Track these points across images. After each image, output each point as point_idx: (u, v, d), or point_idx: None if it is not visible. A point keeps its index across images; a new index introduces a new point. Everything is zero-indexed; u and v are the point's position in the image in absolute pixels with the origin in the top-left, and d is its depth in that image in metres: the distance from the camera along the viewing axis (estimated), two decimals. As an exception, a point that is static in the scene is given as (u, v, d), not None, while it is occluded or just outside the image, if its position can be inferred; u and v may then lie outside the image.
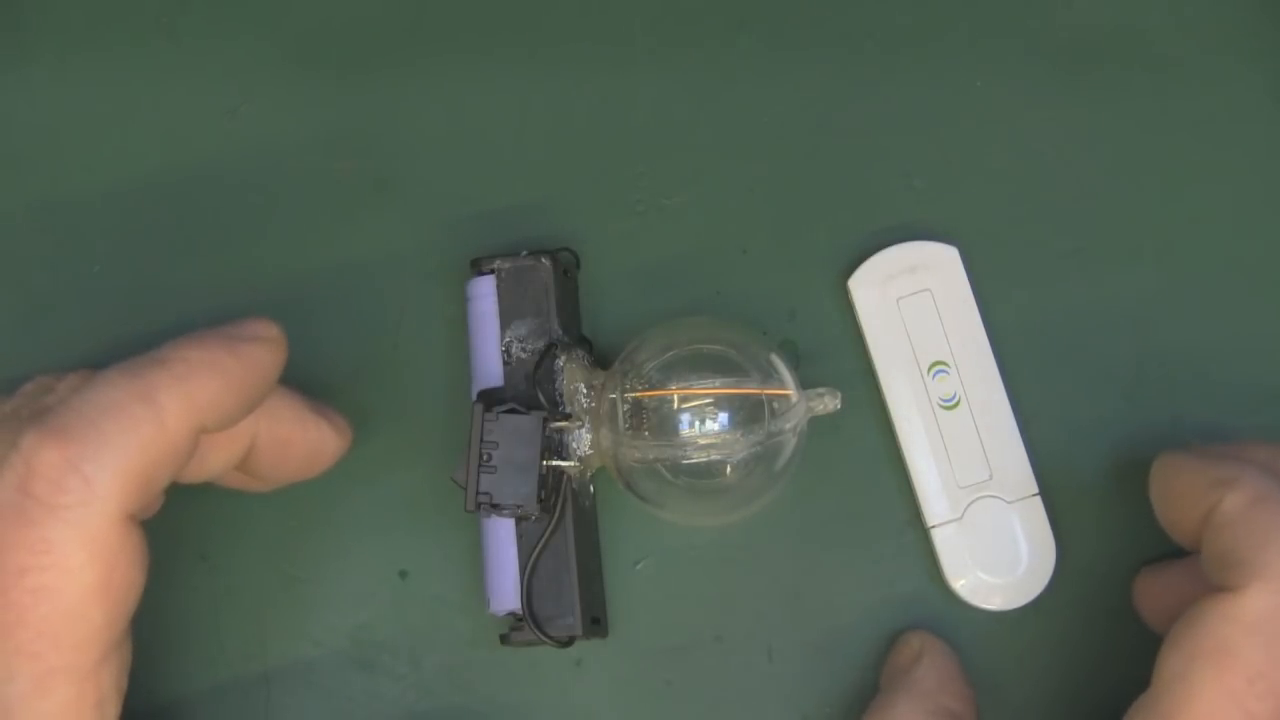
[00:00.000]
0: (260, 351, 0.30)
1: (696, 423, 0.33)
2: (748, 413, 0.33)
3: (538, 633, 0.32)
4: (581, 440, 0.34)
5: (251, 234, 0.38)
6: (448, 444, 0.36)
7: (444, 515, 0.36)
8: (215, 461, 0.31)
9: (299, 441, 0.33)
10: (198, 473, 0.31)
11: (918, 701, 0.32)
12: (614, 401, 0.33)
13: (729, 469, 0.33)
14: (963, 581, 0.35)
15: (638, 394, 0.33)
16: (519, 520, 0.33)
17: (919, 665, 0.33)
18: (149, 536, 0.28)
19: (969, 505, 0.35)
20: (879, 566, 0.36)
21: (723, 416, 0.33)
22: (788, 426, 0.33)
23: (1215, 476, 0.29)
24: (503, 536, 0.33)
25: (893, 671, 0.34)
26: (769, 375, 0.33)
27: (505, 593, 0.33)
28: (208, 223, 0.38)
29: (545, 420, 0.33)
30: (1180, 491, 0.31)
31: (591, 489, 0.35)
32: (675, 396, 0.33)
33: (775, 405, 0.33)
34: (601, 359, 0.36)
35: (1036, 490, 0.35)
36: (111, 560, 0.27)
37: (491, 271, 0.35)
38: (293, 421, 0.32)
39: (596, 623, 0.34)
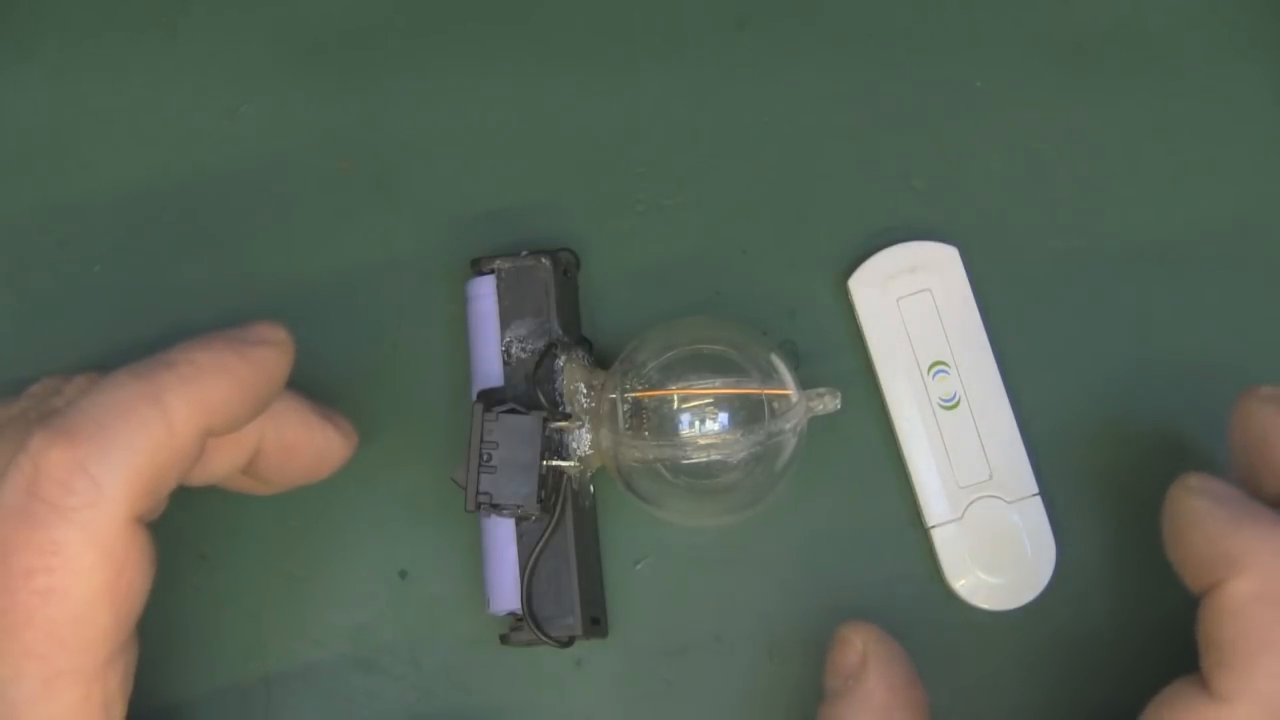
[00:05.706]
0: (268, 355, 0.30)
1: (696, 423, 0.33)
2: (748, 413, 0.33)
3: (538, 633, 0.32)
4: (581, 440, 0.34)
5: (251, 234, 0.38)
6: (448, 444, 0.36)
7: (444, 515, 0.36)
8: (221, 465, 0.31)
9: (305, 446, 0.32)
10: (203, 476, 0.31)
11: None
12: (614, 401, 0.33)
13: (729, 469, 0.33)
14: (963, 581, 0.35)
15: (638, 394, 0.33)
16: (519, 520, 0.33)
17: (866, 674, 0.30)
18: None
19: (969, 505, 0.35)
20: (879, 566, 0.36)
21: (723, 416, 0.33)
22: (788, 426, 0.33)
23: (1224, 551, 0.27)
24: (503, 536, 0.33)
25: (837, 676, 0.31)
26: (769, 375, 0.33)
27: (505, 593, 0.33)
28: (208, 223, 0.38)
29: (545, 420, 0.33)
30: (1188, 548, 0.28)
31: (591, 489, 0.35)
32: (675, 396, 0.33)
33: (775, 405, 0.33)
34: (601, 359, 0.36)
35: (1036, 490, 0.35)
36: (119, 562, 0.27)
37: (491, 271, 0.35)
38: (299, 426, 0.32)
39: (596, 623, 0.34)
